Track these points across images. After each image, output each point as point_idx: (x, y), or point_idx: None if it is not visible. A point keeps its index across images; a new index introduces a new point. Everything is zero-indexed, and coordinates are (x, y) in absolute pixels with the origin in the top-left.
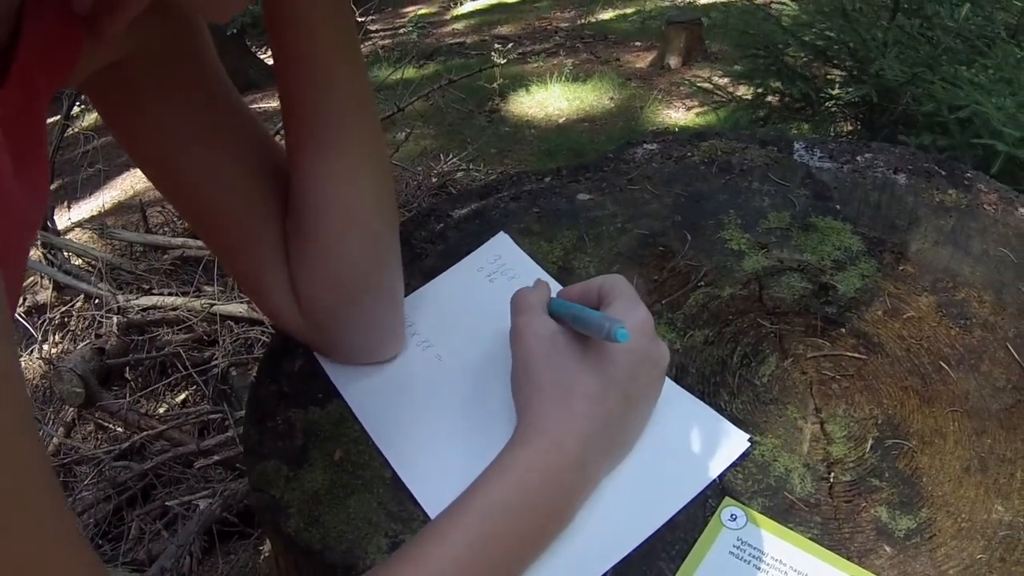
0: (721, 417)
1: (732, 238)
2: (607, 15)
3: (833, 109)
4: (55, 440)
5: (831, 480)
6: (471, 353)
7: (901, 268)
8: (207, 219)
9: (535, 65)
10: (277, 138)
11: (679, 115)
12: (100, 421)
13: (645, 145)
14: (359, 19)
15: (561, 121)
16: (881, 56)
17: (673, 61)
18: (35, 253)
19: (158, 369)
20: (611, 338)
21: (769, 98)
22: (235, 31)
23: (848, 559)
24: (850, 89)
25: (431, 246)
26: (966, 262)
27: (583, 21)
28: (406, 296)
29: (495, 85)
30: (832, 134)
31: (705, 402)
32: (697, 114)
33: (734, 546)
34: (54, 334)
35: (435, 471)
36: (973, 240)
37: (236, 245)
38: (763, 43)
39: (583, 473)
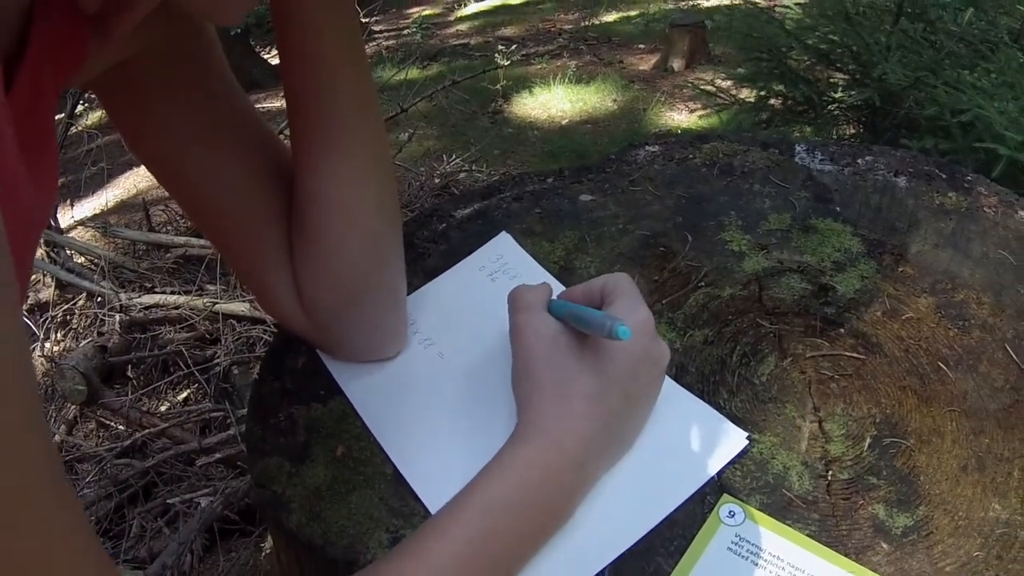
0: (720, 415)
1: (733, 239)
2: (611, 17)
3: (836, 112)
4: (57, 438)
5: (829, 478)
6: (472, 351)
7: (901, 270)
8: (212, 218)
9: (539, 67)
10: (282, 138)
11: (682, 117)
12: (102, 419)
13: (647, 147)
14: (363, 20)
15: (564, 123)
16: (884, 60)
17: (676, 64)
18: (38, 251)
19: (160, 367)
20: (612, 335)
21: (772, 101)
22: (239, 31)
23: (845, 556)
24: (853, 93)
25: (434, 246)
26: (966, 264)
27: (587, 23)
28: (408, 295)
29: (499, 86)
30: (835, 137)
31: (704, 401)
32: (700, 116)
33: (732, 542)
34: (56, 332)
35: (436, 467)
36: (973, 243)
37: (240, 244)
38: (766, 46)
39: (582, 471)
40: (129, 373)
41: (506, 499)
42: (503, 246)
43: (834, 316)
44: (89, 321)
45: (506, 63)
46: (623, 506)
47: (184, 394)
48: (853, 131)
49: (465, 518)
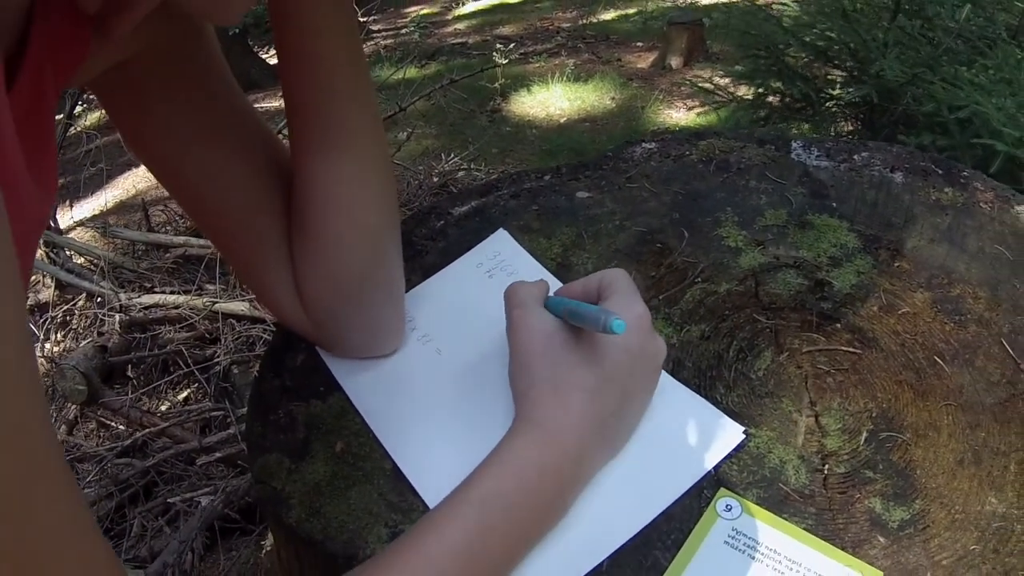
0: (717, 410)
1: (729, 235)
2: (609, 15)
3: (833, 109)
4: (57, 437)
5: (825, 472)
6: (470, 347)
7: (897, 265)
8: (211, 217)
9: (537, 65)
10: (281, 137)
11: (680, 115)
12: (102, 419)
13: (644, 144)
14: (361, 19)
15: (562, 121)
16: (882, 57)
17: (674, 61)
18: (37, 252)
19: (160, 367)
20: (607, 329)
21: (770, 98)
22: (237, 31)
23: (842, 549)
24: (850, 89)
25: (432, 243)
26: (961, 259)
27: (585, 21)
28: (407, 292)
29: (497, 85)
30: (833, 134)
31: (701, 395)
32: (698, 114)
33: (729, 536)
34: (56, 332)
35: (434, 462)
36: (969, 238)
37: (240, 243)
38: (764, 43)
39: (579, 465)
40: (129, 373)
41: (503, 493)
42: (501, 243)
43: (830, 311)
44: (89, 321)
45: (504, 62)
46: (620, 500)
47: (184, 393)
48: (851, 128)
49: (463, 512)
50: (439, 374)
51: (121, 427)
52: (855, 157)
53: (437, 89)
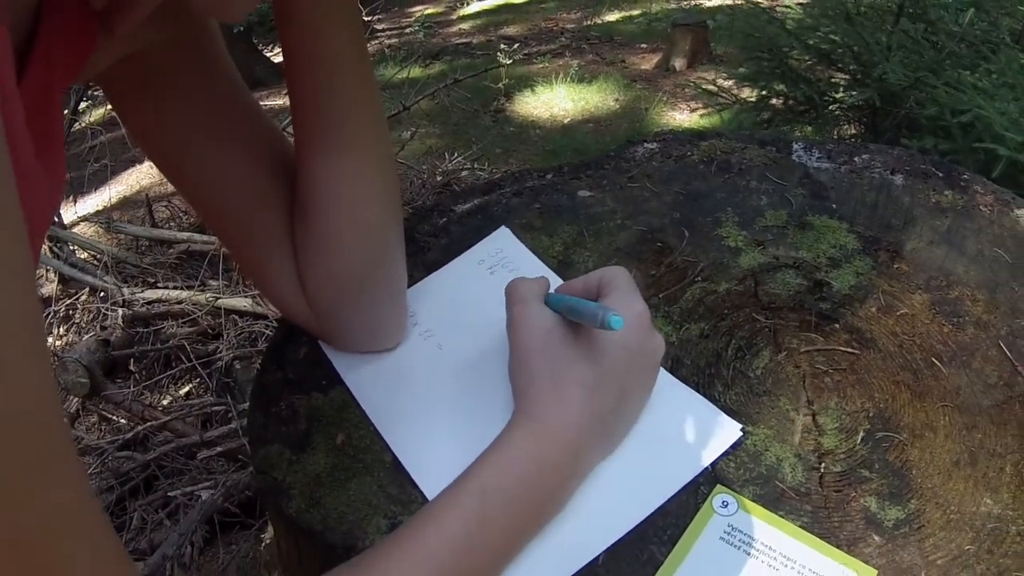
0: (715, 407)
1: (729, 235)
2: (613, 17)
3: (836, 112)
4: (65, 421)
5: (822, 470)
6: (471, 343)
7: (896, 266)
8: (216, 211)
9: (541, 66)
10: (285, 133)
11: (683, 117)
12: (104, 412)
13: (645, 144)
14: (366, 18)
15: (566, 122)
16: (885, 60)
17: (678, 63)
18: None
19: (162, 361)
20: (605, 325)
21: (773, 101)
22: (242, 29)
23: (837, 547)
24: (853, 93)
25: (434, 240)
26: (960, 262)
27: (589, 22)
28: (409, 287)
29: (500, 85)
30: (835, 137)
31: (699, 393)
32: (701, 116)
33: (724, 532)
34: (59, 327)
35: (434, 455)
36: (968, 240)
37: (244, 237)
38: (768, 46)
39: (577, 459)
40: (131, 367)
41: (501, 486)
42: (502, 240)
43: (829, 311)
44: (92, 316)
45: (508, 62)
46: (618, 494)
47: (186, 388)
48: (854, 131)
49: (461, 504)
50: (440, 369)
51: (123, 420)
52: (856, 159)
53: (441, 89)
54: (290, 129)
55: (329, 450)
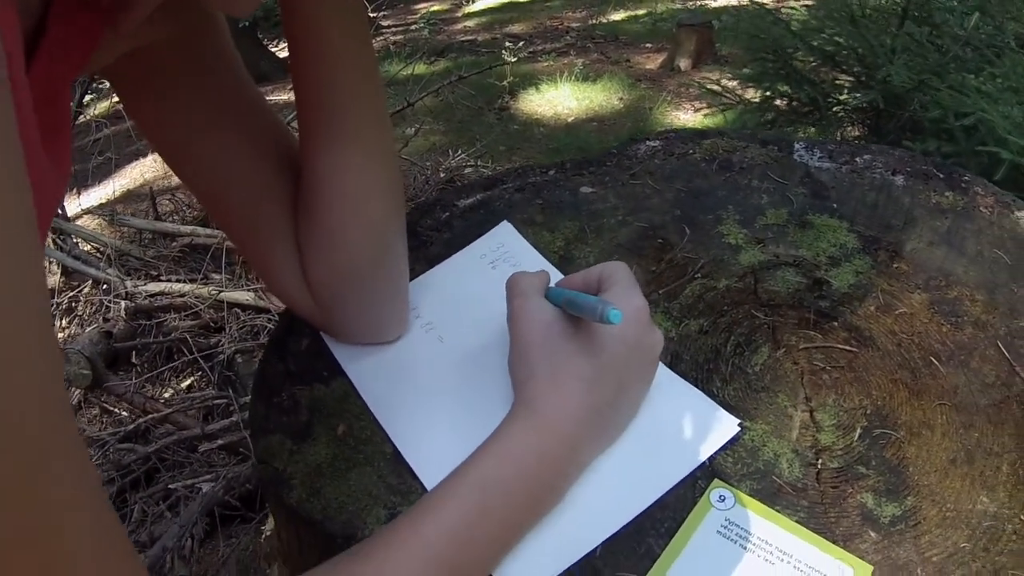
0: (713, 402)
1: (730, 233)
2: (618, 16)
3: (840, 114)
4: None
5: (819, 466)
6: (471, 336)
7: (895, 266)
8: (221, 203)
9: (545, 64)
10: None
11: (687, 116)
12: (106, 404)
13: (648, 142)
14: (371, 15)
15: (570, 120)
16: (889, 62)
17: (683, 63)
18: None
19: (164, 354)
20: (604, 319)
21: (777, 102)
22: (247, 24)
23: (833, 543)
24: (857, 95)
25: (436, 234)
26: (960, 262)
27: (594, 21)
28: (411, 281)
29: (505, 83)
30: (839, 139)
31: (698, 388)
32: (705, 116)
33: (721, 526)
34: (62, 318)
35: (434, 446)
36: (968, 241)
37: (249, 230)
38: (772, 47)
39: (575, 452)
40: (134, 359)
41: (500, 477)
42: (504, 235)
43: (828, 309)
44: (94, 308)
45: (513, 60)
46: (616, 487)
47: (188, 381)
48: (857, 133)
49: (460, 494)
50: (441, 361)
51: (124, 413)
52: (857, 159)
53: (445, 85)
54: (295, 124)
55: (330, 441)
